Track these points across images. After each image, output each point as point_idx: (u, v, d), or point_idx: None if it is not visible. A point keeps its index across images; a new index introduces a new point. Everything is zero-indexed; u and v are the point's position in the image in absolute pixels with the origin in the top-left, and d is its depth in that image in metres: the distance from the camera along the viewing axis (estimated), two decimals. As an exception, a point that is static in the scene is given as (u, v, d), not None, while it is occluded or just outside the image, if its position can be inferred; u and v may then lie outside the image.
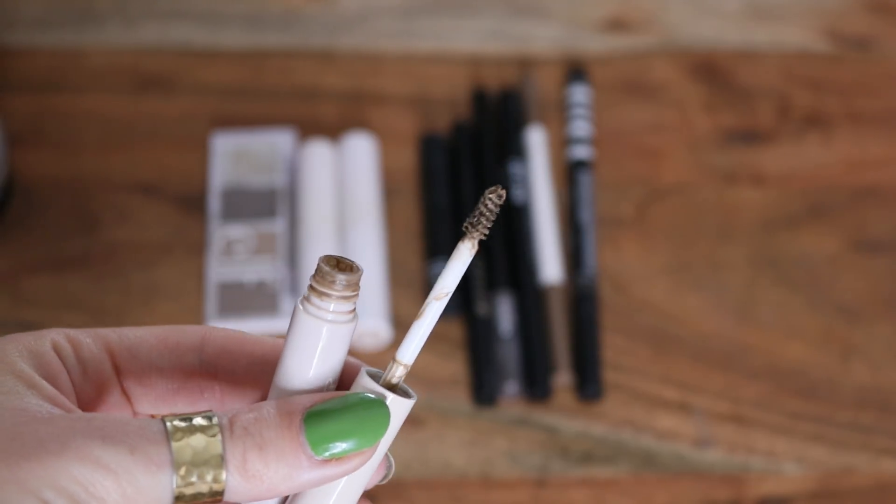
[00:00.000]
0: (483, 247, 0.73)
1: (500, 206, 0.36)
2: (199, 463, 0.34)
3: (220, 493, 0.35)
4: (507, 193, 0.74)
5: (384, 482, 0.40)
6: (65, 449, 0.33)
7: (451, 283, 0.37)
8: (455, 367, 0.70)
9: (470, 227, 0.36)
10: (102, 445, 0.34)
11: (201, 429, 0.35)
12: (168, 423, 0.35)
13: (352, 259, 0.37)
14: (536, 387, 0.69)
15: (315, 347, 0.37)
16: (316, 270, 0.37)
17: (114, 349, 0.39)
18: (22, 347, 0.37)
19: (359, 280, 0.37)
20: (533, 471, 0.67)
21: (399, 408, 0.37)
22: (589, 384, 0.69)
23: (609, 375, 0.70)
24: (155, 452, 0.34)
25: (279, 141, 0.77)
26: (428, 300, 0.37)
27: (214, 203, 0.74)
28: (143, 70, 0.80)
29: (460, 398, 0.69)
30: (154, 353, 0.40)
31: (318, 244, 0.72)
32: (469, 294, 0.71)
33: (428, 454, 0.67)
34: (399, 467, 0.67)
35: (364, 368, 0.38)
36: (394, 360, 0.38)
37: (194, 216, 0.75)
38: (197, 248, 0.74)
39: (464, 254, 0.36)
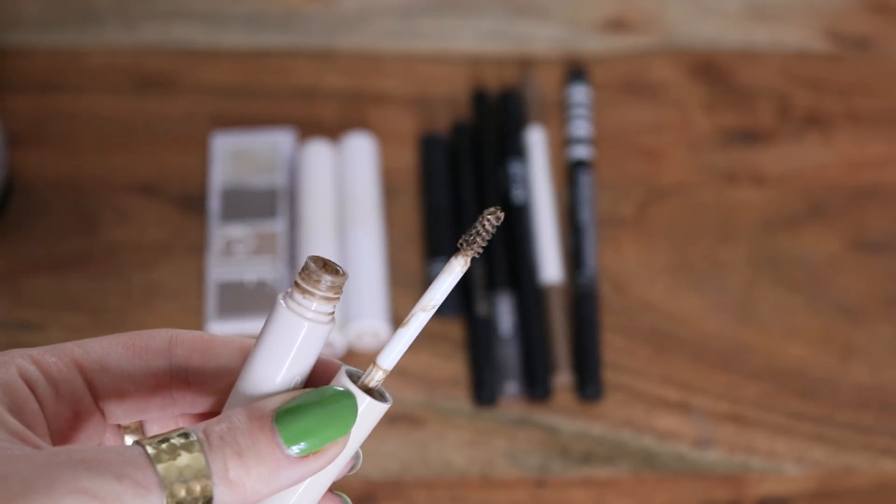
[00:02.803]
0: (483, 247, 0.73)
1: (497, 227, 0.37)
2: (186, 479, 0.34)
3: None
4: (508, 197, 0.74)
5: (352, 472, 0.40)
6: (53, 486, 0.33)
7: (439, 296, 0.37)
8: (455, 367, 0.70)
9: (465, 244, 0.37)
10: (89, 476, 0.33)
11: (181, 447, 0.35)
12: (148, 447, 0.35)
13: (340, 265, 0.38)
14: (536, 387, 0.69)
15: (292, 344, 0.38)
16: (303, 268, 0.37)
17: (82, 364, 0.38)
18: None
19: (343, 284, 0.38)
20: (533, 471, 0.67)
21: (372, 410, 0.38)
22: (589, 384, 0.69)
23: (609, 375, 0.70)
24: (142, 476, 0.34)
25: (279, 141, 0.77)
26: (414, 310, 0.38)
27: (214, 203, 0.74)
28: (143, 70, 0.80)
29: (460, 398, 0.69)
30: (124, 360, 0.39)
31: (318, 244, 0.72)
32: (469, 294, 0.71)
33: (428, 454, 0.67)
34: (399, 467, 0.67)
35: (344, 367, 0.38)
36: (374, 363, 0.38)
37: (194, 216, 0.75)
38: (197, 248, 0.74)
39: (455, 269, 0.37)
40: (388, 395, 0.38)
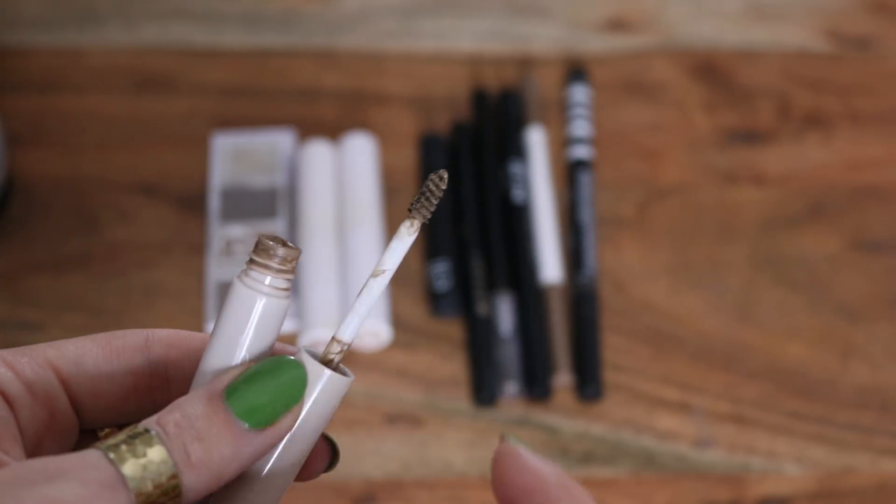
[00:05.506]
0: (483, 247, 0.73)
1: (443, 188, 0.37)
2: (151, 474, 0.34)
3: (179, 496, 0.35)
4: (508, 197, 0.74)
5: (330, 470, 0.40)
6: (20, 502, 0.32)
7: (388, 261, 0.38)
8: (455, 367, 0.70)
9: (412, 208, 0.37)
10: (53, 485, 0.33)
11: (140, 442, 0.35)
12: (106, 448, 0.34)
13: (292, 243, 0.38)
14: (536, 387, 0.69)
15: (249, 320, 0.37)
16: (255, 245, 0.38)
17: (56, 364, 0.38)
18: None
19: (297, 257, 0.38)
20: (533, 471, 0.67)
21: (334, 384, 0.38)
22: (589, 384, 0.69)
23: (609, 375, 0.70)
24: (105, 477, 0.34)
25: (279, 141, 0.77)
26: (367, 279, 0.38)
27: (214, 203, 0.74)
28: (143, 70, 0.80)
29: (460, 398, 0.69)
30: (100, 359, 0.39)
31: (318, 244, 0.72)
32: (469, 294, 0.71)
33: (428, 454, 0.67)
34: (399, 467, 0.67)
35: (303, 346, 0.38)
36: (332, 337, 0.38)
37: (194, 216, 0.75)
38: (197, 248, 0.74)
39: (403, 233, 0.38)
40: (349, 371, 0.38)
